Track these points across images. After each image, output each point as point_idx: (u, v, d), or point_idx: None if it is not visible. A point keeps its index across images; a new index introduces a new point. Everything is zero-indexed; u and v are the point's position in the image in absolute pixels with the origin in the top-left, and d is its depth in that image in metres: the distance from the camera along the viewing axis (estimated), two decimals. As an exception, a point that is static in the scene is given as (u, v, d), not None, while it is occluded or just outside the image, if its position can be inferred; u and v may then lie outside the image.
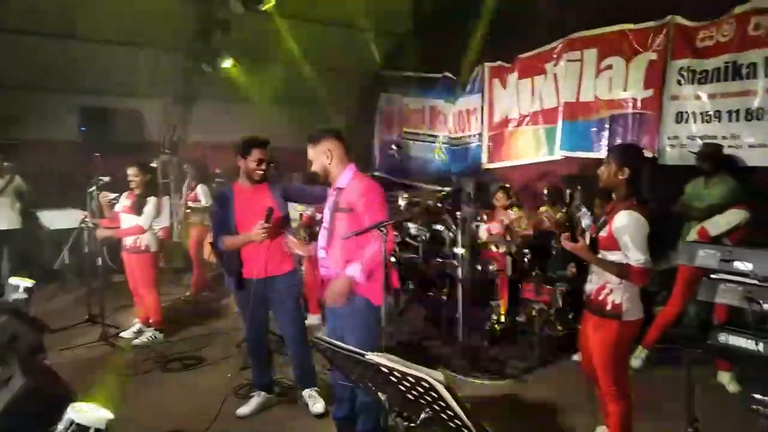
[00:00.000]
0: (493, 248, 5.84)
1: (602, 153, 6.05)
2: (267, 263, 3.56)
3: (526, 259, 5.54)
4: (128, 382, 4.41)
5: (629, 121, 6.04)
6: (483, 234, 6.06)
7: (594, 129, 6.36)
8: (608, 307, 2.92)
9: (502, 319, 5.46)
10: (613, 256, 2.89)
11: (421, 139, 9.14)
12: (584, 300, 3.06)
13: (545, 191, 5.90)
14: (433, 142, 8.59)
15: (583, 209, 3.05)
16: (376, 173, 9.41)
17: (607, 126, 6.24)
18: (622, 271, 2.84)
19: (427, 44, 8.58)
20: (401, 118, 9.51)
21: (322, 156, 3.08)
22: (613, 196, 2.99)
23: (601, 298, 2.94)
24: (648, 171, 2.93)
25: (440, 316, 5.70)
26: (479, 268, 5.51)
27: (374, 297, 3.01)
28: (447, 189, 6.87)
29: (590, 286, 3.02)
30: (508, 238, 5.39)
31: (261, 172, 3.58)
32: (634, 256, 2.81)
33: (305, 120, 8.36)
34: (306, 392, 3.90)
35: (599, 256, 2.92)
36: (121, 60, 7.47)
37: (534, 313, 5.24)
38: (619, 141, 6.13)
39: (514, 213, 5.72)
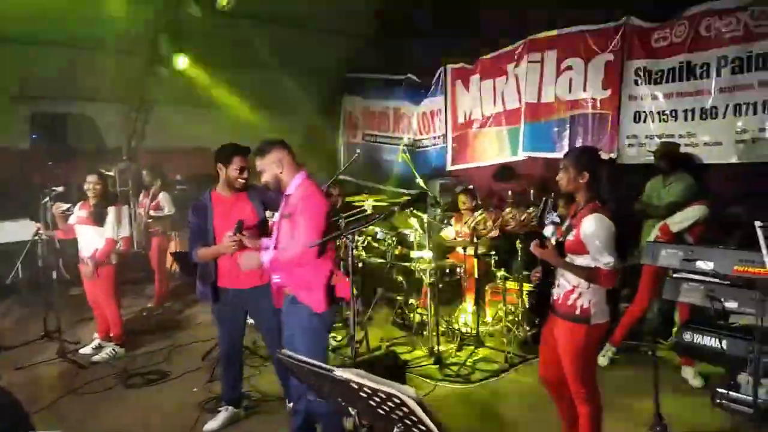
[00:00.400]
0: (460, 251, 5.84)
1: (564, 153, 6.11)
2: (245, 274, 3.55)
3: (492, 261, 5.59)
4: (88, 401, 4.28)
5: (589, 121, 6.11)
6: (450, 235, 6.08)
7: (555, 129, 6.41)
8: (577, 312, 2.92)
9: (468, 321, 5.47)
10: (580, 260, 2.90)
11: (385, 141, 9.11)
12: (551, 304, 3.06)
13: (509, 192, 5.93)
14: (398, 144, 8.55)
15: (553, 214, 3.03)
16: (341, 177, 9.30)
17: (568, 126, 6.30)
18: (591, 274, 2.85)
19: (391, 47, 8.55)
20: (365, 121, 9.47)
21: (273, 166, 3.16)
22: (576, 198, 3.00)
23: (569, 302, 2.94)
24: (606, 172, 2.93)
25: (409, 320, 5.72)
26: (447, 271, 5.51)
27: (315, 305, 3.09)
28: (412, 192, 6.87)
29: (557, 291, 3.02)
30: (475, 240, 5.39)
31: (243, 181, 3.62)
32: (604, 259, 2.82)
33: (269, 123, 8.38)
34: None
35: (566, 260, 2.93)
36: (73, 65, 7.23)
37: (502, 314, 5.28)
38: (579, 141, 6.19)
39: (479, 215, 5.72)
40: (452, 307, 5.81)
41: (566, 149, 6.10)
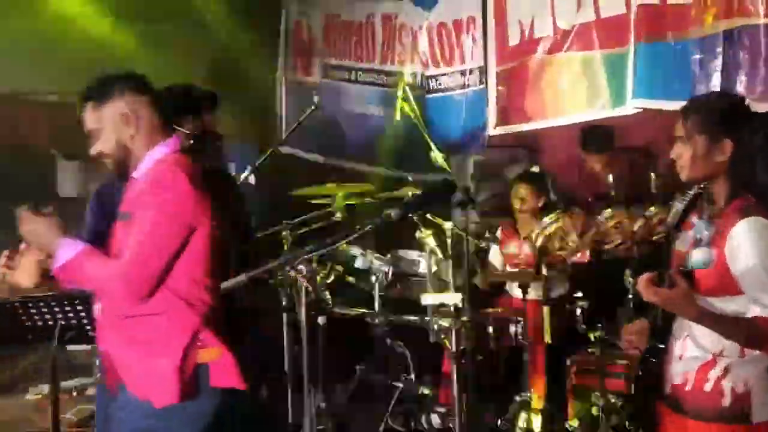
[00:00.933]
0: (515, 292, 5.88)
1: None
2: None
3: (579, 311, 5.58)
4: None
5: (762, 41, 6.07)
6: (496, 262, 6.13)
7: (696, 57, 6.40)
8: (725, 401, 3.04)
9: (535, 427, 5.54)
10: (728, 305, 3.04)
11: (368, 79, 9.12)
12: (664, 393, 3.20)
13: (610, 179, 5.98)
14: (393, 87, 8.45)
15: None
16: (285, 149, 9.22)
17: (720, 50, 6.27)
18: (755, 333, 2.99)
19: None
20: (329, 40, 9.50)
21: (114, 125, 3.44)
22: (709, 190, 3.19)
23: (708, 386, 3.07)
24: (763, 140, 3.08)
25: (417, 426, 5.77)
26: (490, 331, 5.56)
27: (159, 395, 3.27)
28: (423, 179, 6.76)
29: (678, 367, 3.17)
30: (545, 271, 5.41)
31: None
32: None
33: (150, 49, 8.58)
34: None
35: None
36: None
37: (598, 412, 5.31)
38: (741, 80, 6.18)
39: (552, 222, 5.70)
40: (503, 401, 5.84)
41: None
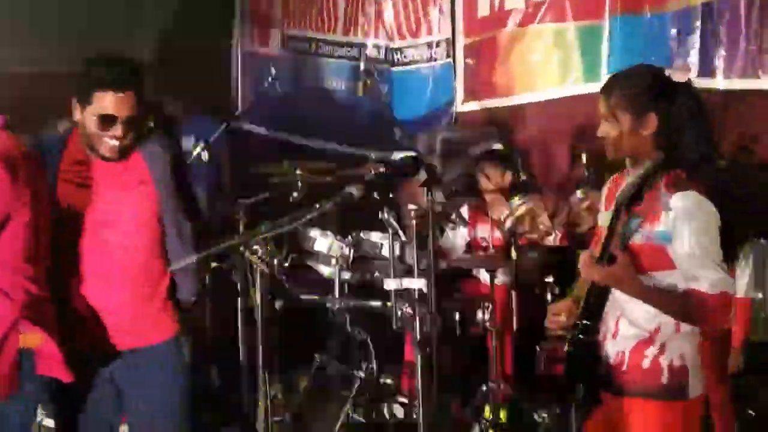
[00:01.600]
0: (483, 276, 5.86)
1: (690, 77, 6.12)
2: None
3: (549, 296, 5.62)
4: None
5: (742, 12, 6.06)
6: (460, 246, 6.13)
7: (674, 31, 6.43)
8: (663, 378, 3.15)
9: (503, 417, 5.57)
10: (663, 280, 3.14)
11: (328, 51, 9.11)
12: (599, 375, 3.26)
13: (582, 157, 5.95)
14: (355, 59, 8.45)
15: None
16: (241, 124, 9.16)
17: (698, 24, 6.28)
18: (690, 307, 3.08)
19: None
20: (289, 10, 9.48)
21: None
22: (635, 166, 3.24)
23: (646, 363, 3.17)
24: (688, 110, 3.16)
25: (379, 416, 5.79)
26: (457, 318, 5.52)
27: None
28: (387, 157, 6.72)
29: (614, 346, 3.25)
30: (513, 255, 5.37)
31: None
32: (710, 274, 3.04)
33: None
34: None
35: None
36: None
37: (570, 402, 5.20)
38: (721, 54, 6.21)
39: (521, 203, 5.74)
40: (469, 391, 5.86)
41: (695, 70, 6.19)
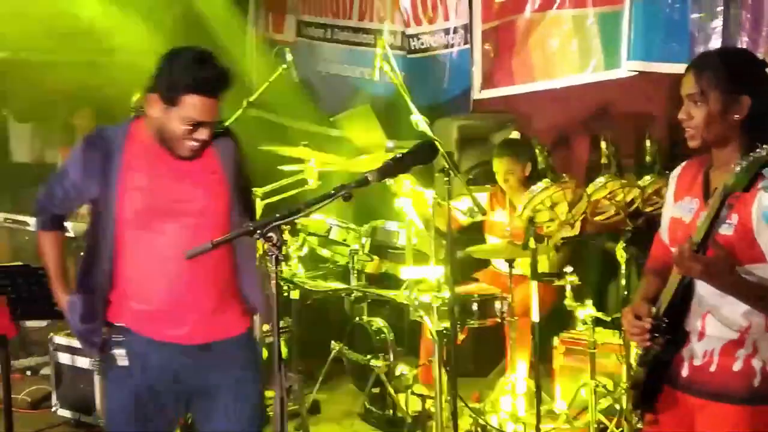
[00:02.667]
0: (500, 265, 5.88)
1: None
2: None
3: (568, 287, 5.58)
4: None
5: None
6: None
7: (695, 16, 6.39)
8: (755, 381, 3.01)
9: (520, 409, 5.58)
10: (754, 271, 2.99)
11: (344, 38, 9.12)
12: (677, 375, 3.15)
13: (602, 145, 5.94)
14: (371, 46, 8.44)
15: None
16: (255, 111, 9.18)
17: (719, 9, 6.26)
18: None
19: None
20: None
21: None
22: (720, 154, 3.12)
23: (736, 365, 3.03)
24: None
25: (395, 409, 5.76)
26: (474, 308, 5.54)
27: None
28: (402, 145, 6.71)
29: (699, 346, 3.11)
30: (532, 244, 5.37)
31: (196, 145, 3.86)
32: None
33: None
34: None
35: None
36: None
37: (587, 393, 5.31)
38: (743, 39, 6.21)
39: (540, 191, 5.64)
40: (485, 381, 5.95)
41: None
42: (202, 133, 3.61)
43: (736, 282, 2.94)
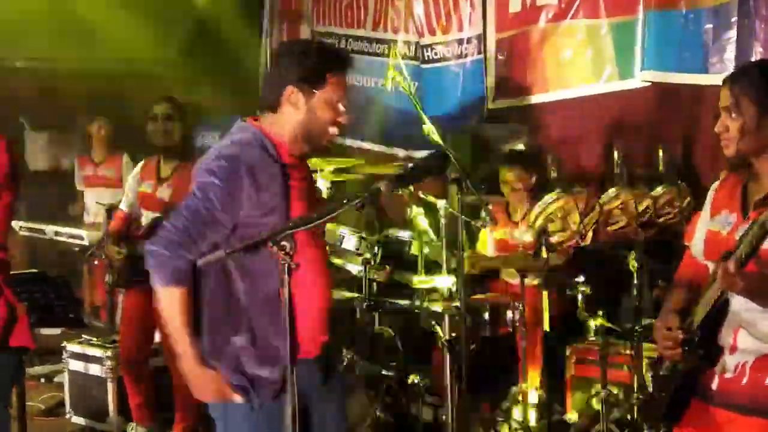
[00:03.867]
0: (510, 277, 5.94)
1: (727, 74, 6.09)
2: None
3: (579, 297, 5.57)
4: None
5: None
6: (489, 246, 6.17)
7: (709, 26, 6.39)
8: None
9: (532, 419, 5.56)
10: None
11: (358, 48, 9.12)
12: (707, 388, 3.12)
13: (615, 155, 5.92)
14: (383, 56, 8.45)
15: None
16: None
17: (734, 19, 6.26)
18: None
19: None
20: (319, 6, 9.51)
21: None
22: (759, 169, 3.10)
23: None
24: None
25: (407, 418, 5.77)
26: (486, 318, 5.59)
27: None
28: (415, 154, 6.73)
29: (732, 360, 3.08)
30: (544, 255, 5.36)
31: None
32: None
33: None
34: None
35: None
36: None
37: (599, 404, 5.30)
38: (758, 50, 6.18)
39: (553, 201, 5.69)
40: (498, 392, 5.85)
41: (730, 67, 6.13)
42: (343, 116, 3.64)
43: None
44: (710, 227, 3.24)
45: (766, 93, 3.01)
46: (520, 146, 6.61)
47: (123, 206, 6.11)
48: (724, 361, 3.08)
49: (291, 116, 3.59)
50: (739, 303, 3.01)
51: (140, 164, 6.10)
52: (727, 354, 3.08)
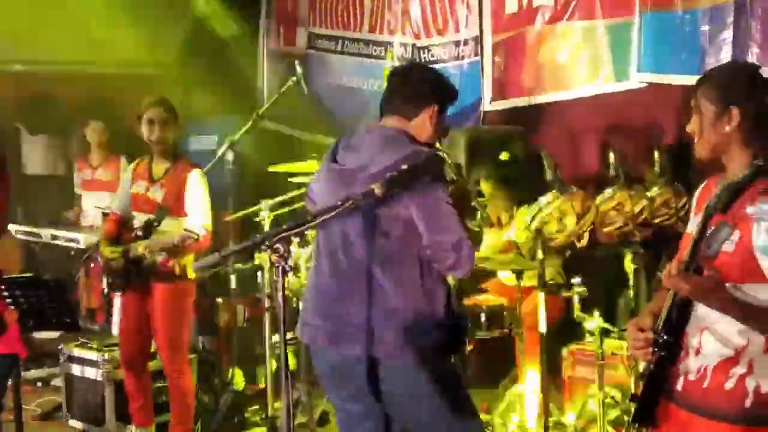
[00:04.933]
0: (506, 277, 5.93)
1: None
2: None
3: (576, 298, 5.52)
4: None
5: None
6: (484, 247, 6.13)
7: (705, 27, 6.38)
8: (747, 402, 2.97)
9: (529, 421, 5.58)
10: (757, 293, 2.95)
11: (354, 49, 9.15)
12: (673, 388, 3.13)
13: (611, 156, 5.92)
14: (381, 58, 8.49)
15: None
16: (266, 124, 9.21)
17: (731, 19, 6.26)
18: None
19: None
20: (315, 9, 9.53)
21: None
22: (726, 167, 3.13)
23: (729, 383, 3.00)
24: None
25: None
26: (483, 319, 5.54)
27: None
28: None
29: (695, 362, 3.09)
30: (540, 255, 5.36)
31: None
32: None
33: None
34: None
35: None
36: None
37: (596, 405, 5.31)
38: (754, 51, 6.17)
39: (549, 202, 5.65)
40: (493, 392, 5.90)
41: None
42: None
43: (728, 303, 2.93)
44: (689, 228, 3.28)
45: (720, 94, 3.05)
46: (504, 155, 6.56)
47: (115, 208, 6.11)
48: (689, 362, 3.08)
49: (425, 128, 4.02)
50: (702, 305, 3.02)
51: (131, 165, 6.09)
52: (692, 356, 3.07)
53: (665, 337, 3.04)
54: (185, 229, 5.53)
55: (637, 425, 3.26)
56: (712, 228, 2.97)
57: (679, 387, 3.10)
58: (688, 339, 3.08)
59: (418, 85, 4.06)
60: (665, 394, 3.14)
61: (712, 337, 3.02)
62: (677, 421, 3.11)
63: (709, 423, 3.01)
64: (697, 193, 3.38)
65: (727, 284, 2.94)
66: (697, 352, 3.06)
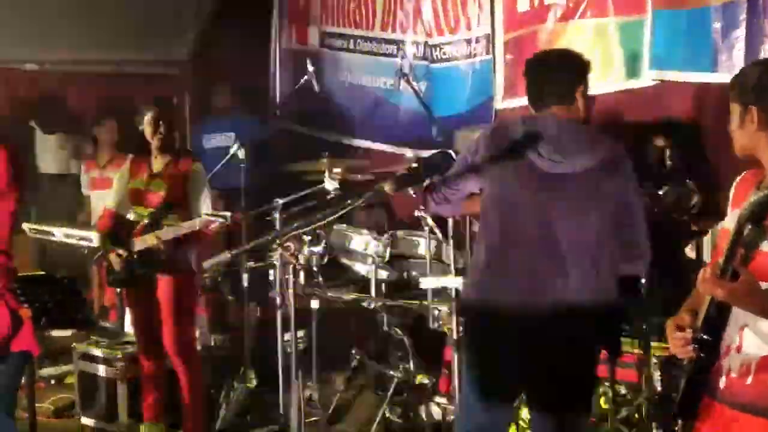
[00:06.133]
0: None
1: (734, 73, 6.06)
2: None
3: None
4: None
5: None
6: None
7: (718, 25, 6.37)
8: None
9: None
10: None
11: (366, 48, 9.15)
12: (720, 385, 3.11)
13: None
14: (392, 56, 8.50)
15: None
16: (278, 122, 9.22)
17: (743, 17, 6.24)
18: None
19: None
20: (326, 6, 9.54)
21: None
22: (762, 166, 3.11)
23: None
24: None
25: (416, 418, 5.77)
26: None
27: None
28: (424, 154, 6.75)
29: (735, 360, 3.08)
30: None
31: None
32: None
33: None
34: None
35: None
36: None
37: (607, 404, 5.32)
38: (767, 49, 6.13)
39: None
40: None
41: (739, 66, 6.10)
42: None
43: (761, 304, 2.90)
44: (724, 224, 3.25)
45: (741, 92, 3.07)
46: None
47: (110, 204, 6.16)
48: (731, 359, 3.07)
49: (580, 109, 4.33)
50: None
51: (128, 162, 6.12)
52: (734, 353, 3.06)
53: (705, 336, 3.03)
54: (206, 214, 5.53)
55: (680, 421, 3.28)
56: (749, 228, 2.93)
57: (721, 385, 3.08)
58: (728, 336, 3.07)
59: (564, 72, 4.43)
60: (707, 391, 3.13)
61: (753, 334, 3.01)
62: (721, 417, 3.10)
63: (753, 419, 3.00)
64: (734, 188, 3.33)
65: (764, 284, 2.91)
66: (738, 349, 3.05)
